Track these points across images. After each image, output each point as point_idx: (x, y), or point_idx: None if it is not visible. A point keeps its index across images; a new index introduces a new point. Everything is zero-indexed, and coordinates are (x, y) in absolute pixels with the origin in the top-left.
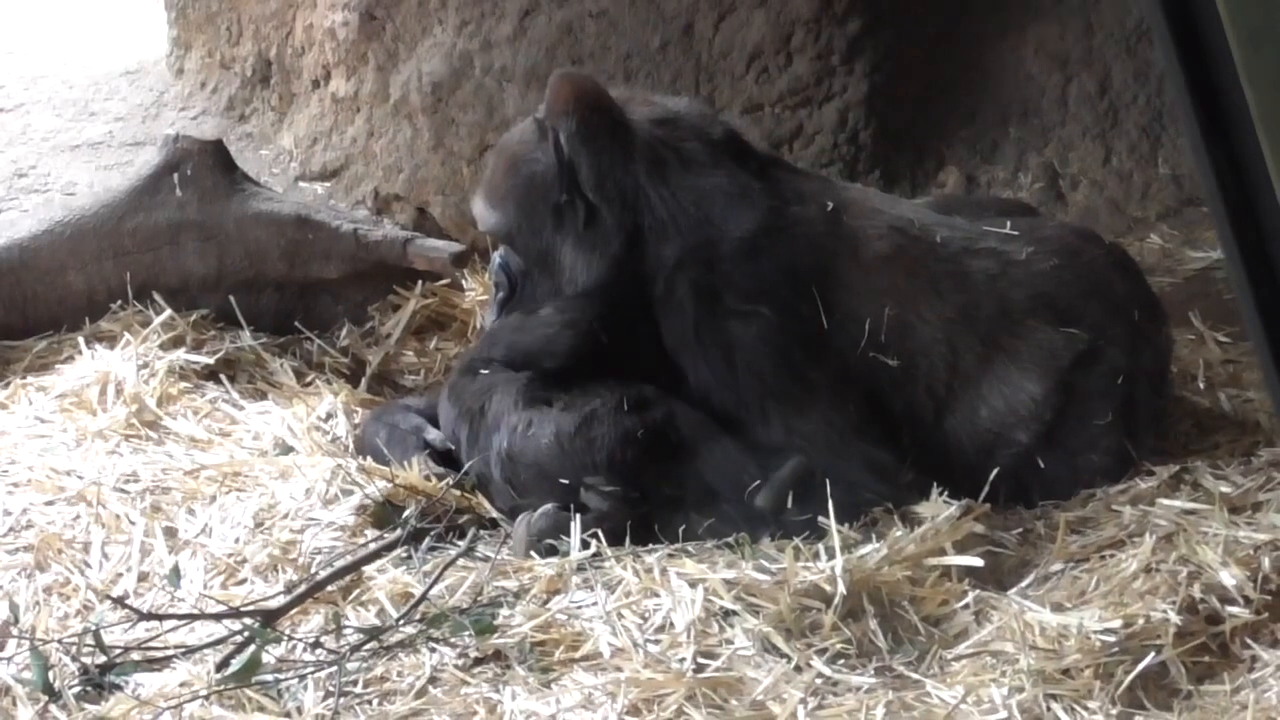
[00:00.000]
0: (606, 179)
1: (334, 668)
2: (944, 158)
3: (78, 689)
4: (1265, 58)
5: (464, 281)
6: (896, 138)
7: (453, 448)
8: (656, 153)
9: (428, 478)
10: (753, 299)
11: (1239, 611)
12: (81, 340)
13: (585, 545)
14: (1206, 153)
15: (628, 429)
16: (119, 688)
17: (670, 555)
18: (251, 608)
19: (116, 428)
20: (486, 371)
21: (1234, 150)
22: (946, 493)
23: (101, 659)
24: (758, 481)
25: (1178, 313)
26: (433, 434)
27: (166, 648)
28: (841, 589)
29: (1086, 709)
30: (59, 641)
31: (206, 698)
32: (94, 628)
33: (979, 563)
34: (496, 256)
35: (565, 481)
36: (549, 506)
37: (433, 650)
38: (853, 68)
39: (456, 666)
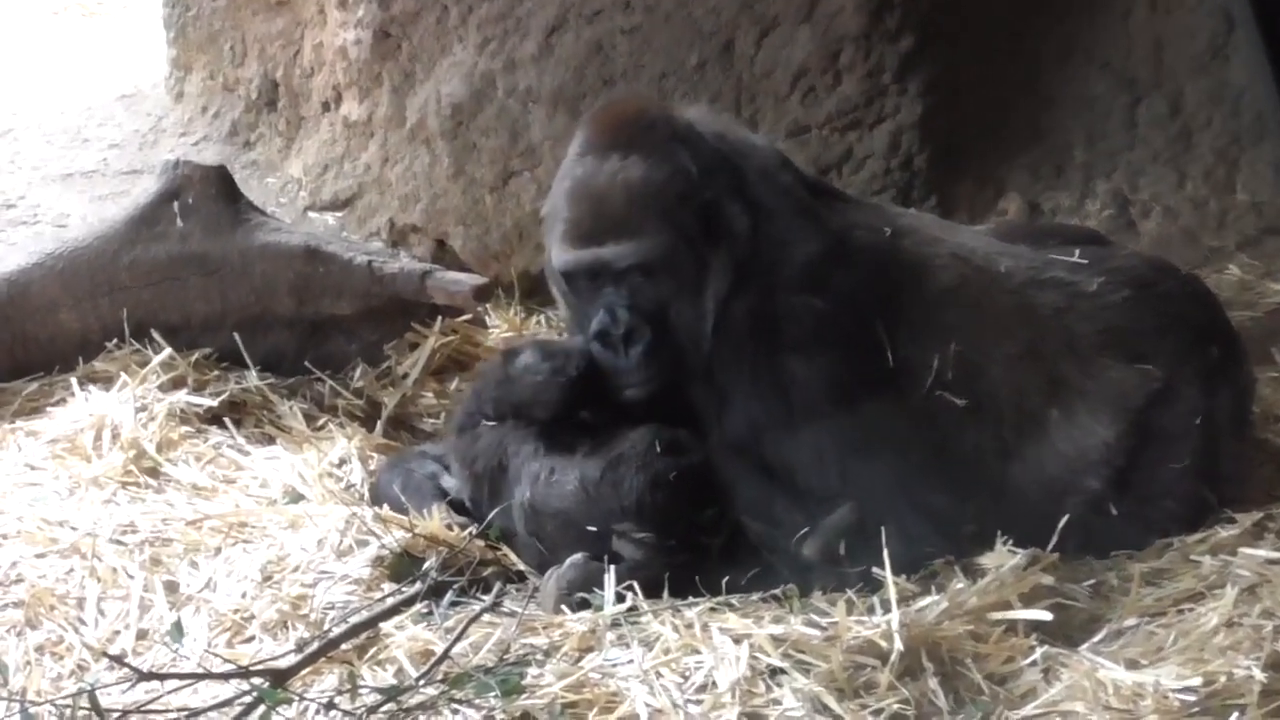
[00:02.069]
0: (719, 175)
1: None
2: (1005, 184)
3: None
4: None
5: (487, 317)
6: (953, 162)
7: (470, 506)
8: (738, 159)
9: (449, 527)
10: (814, 334)
11: None
12: (75, 382)
13: (620, 598)
14: None
15: (658, 472)
16: None
17: (712, 609)
18: (260, 667)
19: (113, 475)
20: (490, 423)
21: None
22: (1012, 542)
23: None
24: (806, 529)
25: (1259, 349)
26: (451, 481)
27: (168, 711)
28: (898, 645)
29: None
30: (51, 704)
31: None
32: (89, 689)
33: (1047, 616)
34: (611, 303)
35: (594, 530)
36: (579, 557)
37: (455, 713)
38: (906, 87)
39: None
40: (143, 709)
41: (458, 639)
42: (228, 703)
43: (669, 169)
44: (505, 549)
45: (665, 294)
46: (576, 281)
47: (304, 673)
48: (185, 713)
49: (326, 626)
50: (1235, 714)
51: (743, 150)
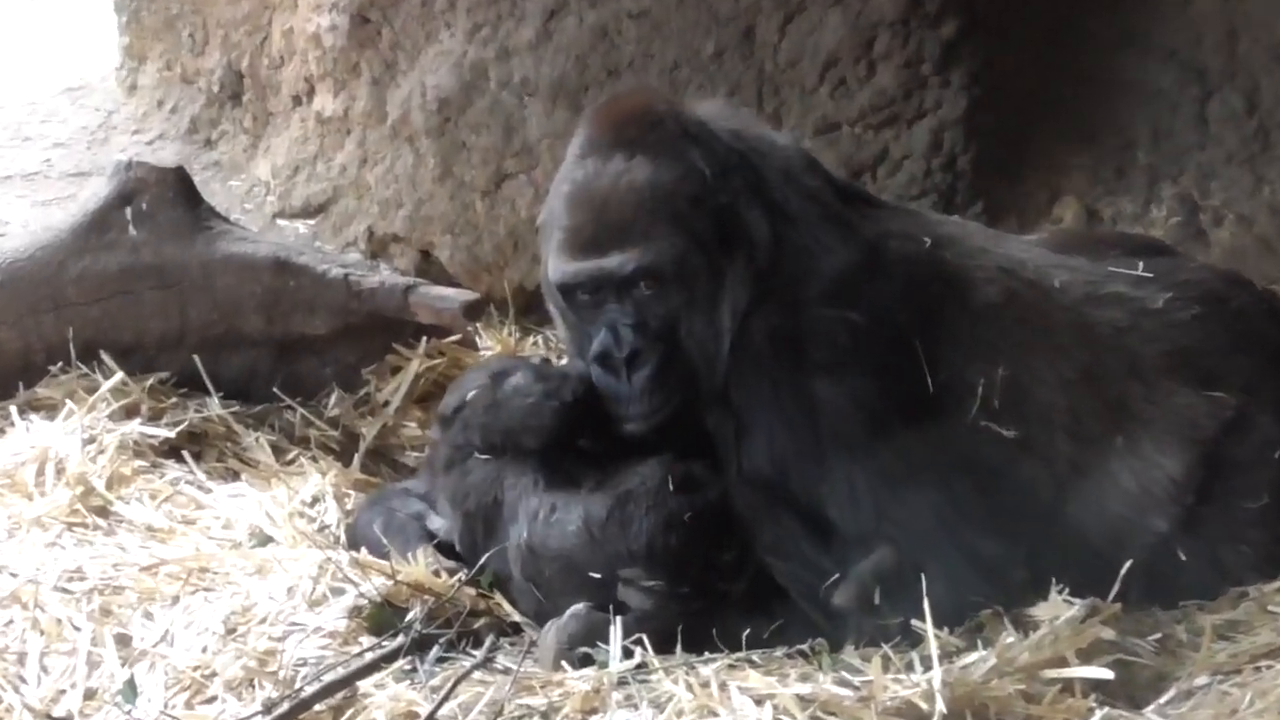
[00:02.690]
0: (735, 176)
1: None
2: (1059, 188)
3: None
4: None
5: (478, 338)
6: (1001, 163)
7: (460, 549)
8: (757, 159)
9: (435, 573)
10: (845, 354)
11: None
12: (14, 410)
13: (627, 653)
14: None
15: (672, 511)
16: None
17: (731, 665)
18: None
19: (58, 514)
20: (482, 456)
21: None
22: (1068, 590)
23: None
24: (837, 575)
25: None
26: (438, 521)
27: None
28: (941, 707)
29: None
30: None
31: None
32: None
33: (1108, 674)
34: (614, 321)
35: (598, 576)
36: (581, 606)
37: None
38: (948, 79)
39: None
40: None
41: (445, 699)
42: None
43: (679, 170)
44: (499, 597)
45: (675, 308)
46: (576, 297)
47: None
48: None
49: (298, 685)
50: None
51: (762, 150)
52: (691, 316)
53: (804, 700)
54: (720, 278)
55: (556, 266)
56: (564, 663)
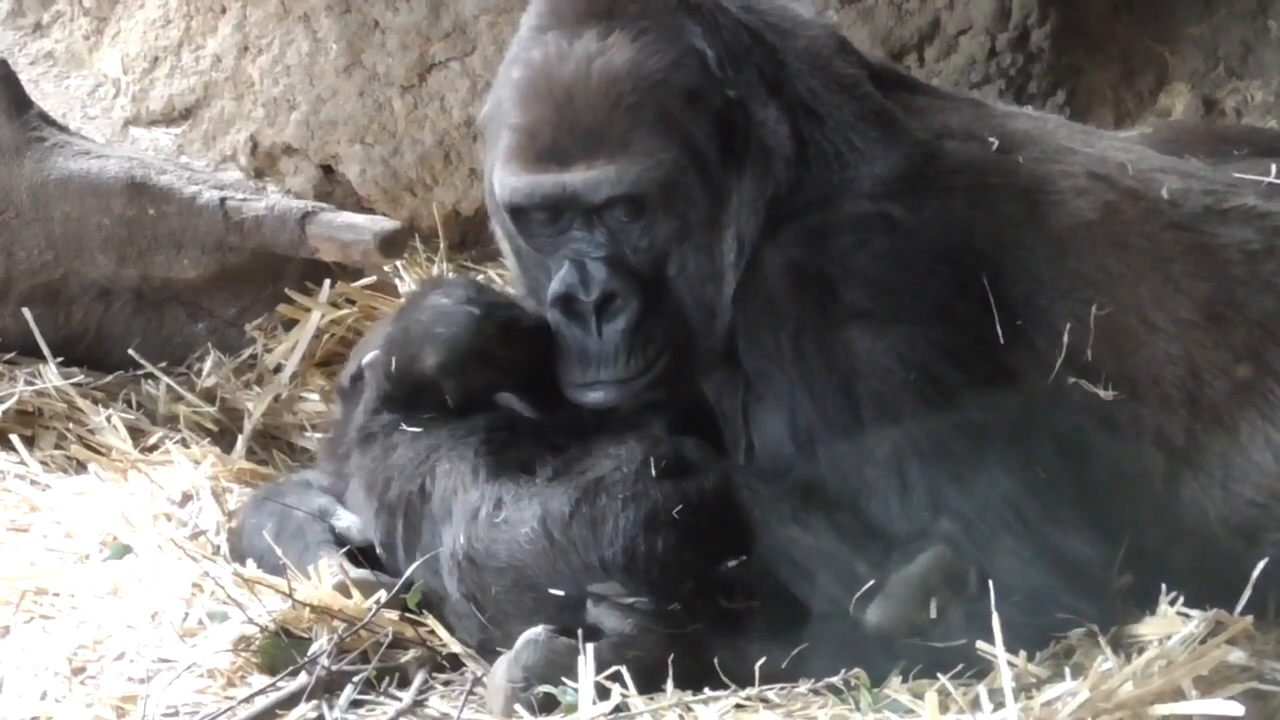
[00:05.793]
0: (747, 63)
1: None
2: (1167, 70)
3: None
4: None
5: (399, 280)
6: (1091, 39)
7: (380, 552)
8: (775, 38)
9: (346, 590)
10: (888, 293)
11: None
12: None
13: (602, 692)
14: None
15: (656, 505)
16: None
17: (739, 705)
18: None
19: None
20: (413, 429)
21: None
22: (1183, 599)
23: None
24: (874, 583)
25: None
26: (349, 519)
27: None
28: None
29: None
30: None
31: None
32: None
33: (1238, 710)
34: (580, 254)
35: (561, 593)
36: (539, 631)
37: None
38: None
39: None
40: None
41: None
42: None
43: (672, 52)
44: (431, 622)
45: (662, 241)
46: (529, 220)
47: None
48: None
49: None
50: None
51: (782, 25)
52: (684, 250)
53: None
54: (723, 199)
55: (504, 179)
56: (518, 707)
